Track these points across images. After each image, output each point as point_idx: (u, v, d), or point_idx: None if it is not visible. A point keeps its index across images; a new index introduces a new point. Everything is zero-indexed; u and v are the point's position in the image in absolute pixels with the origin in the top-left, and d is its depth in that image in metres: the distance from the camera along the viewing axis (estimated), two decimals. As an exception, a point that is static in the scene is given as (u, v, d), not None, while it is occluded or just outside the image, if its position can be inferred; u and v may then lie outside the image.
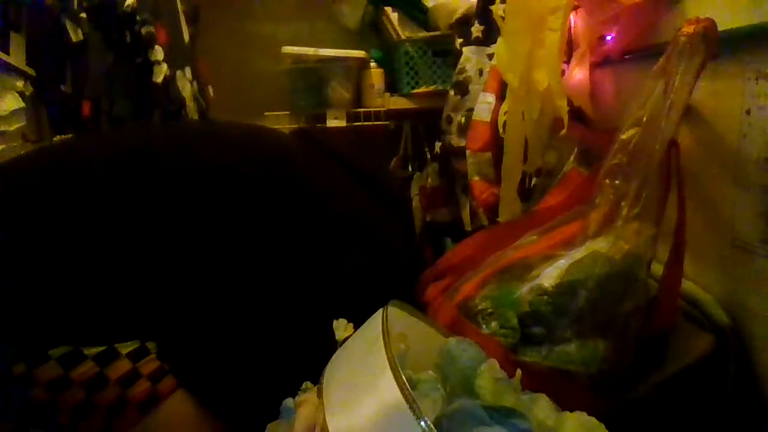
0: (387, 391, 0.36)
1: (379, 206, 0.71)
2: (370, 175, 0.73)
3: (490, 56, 1.26)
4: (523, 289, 0.58)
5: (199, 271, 0.57)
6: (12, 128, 1.06)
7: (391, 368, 0.37)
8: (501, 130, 1.02)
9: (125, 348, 0.53)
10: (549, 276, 0.58)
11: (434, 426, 0.34)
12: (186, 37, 1.54)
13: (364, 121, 1.79)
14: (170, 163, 0.60)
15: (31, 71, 1.16)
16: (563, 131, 0.76)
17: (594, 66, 0.79)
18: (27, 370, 0.50)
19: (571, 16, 0.79)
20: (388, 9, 1.72)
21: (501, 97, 1.05)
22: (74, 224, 0.54)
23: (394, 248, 0.71)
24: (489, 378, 0.45)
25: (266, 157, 0.66)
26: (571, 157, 0.84)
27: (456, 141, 1.35)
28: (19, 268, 0.52)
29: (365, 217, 0.69)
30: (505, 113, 0.99)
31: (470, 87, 1.32)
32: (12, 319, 0.51)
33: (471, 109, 1.23)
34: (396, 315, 0.49)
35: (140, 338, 0.54)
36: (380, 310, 0.46)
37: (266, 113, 1.80)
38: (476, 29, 1.31)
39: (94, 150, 0.62)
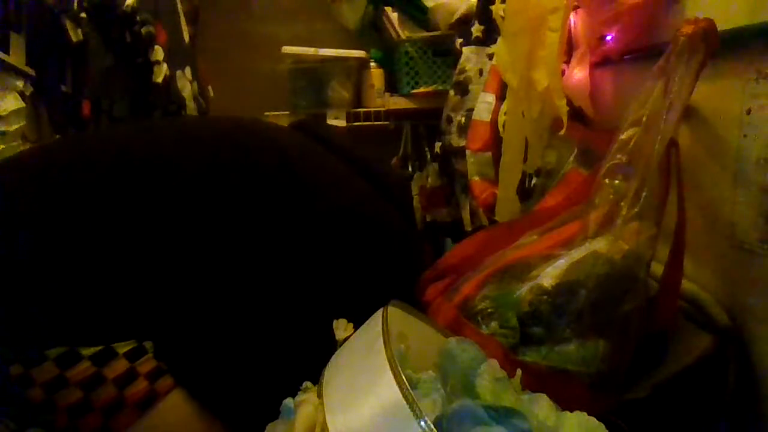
0: (387, 391, 0.36)
1: (380, 198, 0.70)
2: (370, 166, 0.72)
3: (490, 56, 1.26)
4: (523, 289, 0.58)
5: (196, 269, 0.56)
6: (12, 128, 1.06)
7: (391, 368, 0.37)
8: (501, 130, 1.02)
9: (122, 347, 0.53)
10: (549, 276, 0.58)
11: (434, 426, 0.34)
12: (186, 37, 1.54)
13: (364, 121, 1.80)
14: (164, 160, 0.59)
15: (31, 71, 1.16)
16: (562, 131, 0.76)
17: (594, 66, 0.79)
18: (24, 370, 0.50)
19: (571, 16, 0.79)
20: (388, 9, 1.72)
21: (501, 97, 1.05)
22: (69, 224, 0.53)
23: (396, 242, 0.70)
24: (489, 378, 0.45)
25: (262, 152, 0.65)
26: (571, 157, 0.84)
27: (456, 141, 1.35)
28: (15, 269, 0.51)
29: (365, 211, 0.68)
30: (505, 113, 0.99)
31: (470, 87, 1.32)
32: (8, 320, 0.51)
33: (471, 109, 1.23)
34: (396, 315, 0.49)
35: (137, 338, 0.54)
36: (380, 310, 0.46)
37: (266, 113, 1.80)
38: (476, 29, 1.31)
39: (89, 148, 0.62)
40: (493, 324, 0.58)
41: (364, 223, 0.67)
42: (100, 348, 0.52)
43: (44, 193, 0.54)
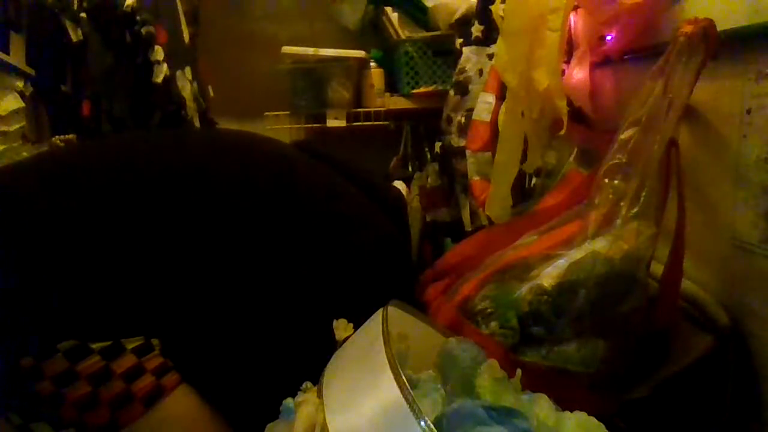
0: (387, 391, 0.36)
1: (375, 207, 0.72)
2: (367, 180, 0.75)
3: (490, 56, 1.26)
4: (523, 289, 0.58)
5: (202, 271, 0.58)
6: (12, 128, 1.06)
7: (391, 368, 0.37)
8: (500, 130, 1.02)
9: (131, 343, 0.54)
10: (549, 276, 0.58)
11: (434, 426, 0.34)
12: (186, 37, 1.54)
13: (364, 121, 1.79)
14: (174, 167, 0.62)
15: (31, 71, 1.16)
16: (562, 131, 0.76)
17: (594, 66, 0.79)
18: (34, 363, 0.51)
19: (571, 16, 0.79)
20: (388, 9, 1.72)
21: (501, 97, 1.05)
22: (83, 222, 0.54)
23: (394, 249, 0.72)
24: (489, 378, 0.45)
25: (270, 163, 0.68)
26: (571, 158, 0.84)
27: (456, 141, 1.35)
28: (28, 264, 0.52)
29: (364, 220, 0.70)
30: (504, 113, 0.99)
31: (470, 87, 1.32)
32: (22, 313, 0.51)
33: (471, 109, 1.23)
34: (396, 315, 0.49)
35: (145, 335, 0.55)
36: (380, 310, 0.46)
37: (266, 113, 1.80)
38: (476, 29, 1.31)
39: (104, 151, 0.64)
40: (493, 324, 0.58)
41: (361, 228, 0.68)
42: (109, 343, 0.53)
43: (61, 194, 0.56)
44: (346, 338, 0.48)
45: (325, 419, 0.39)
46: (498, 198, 0.88)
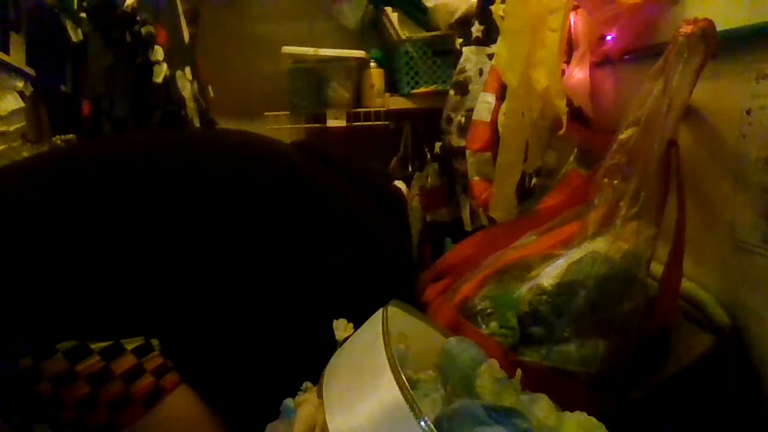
0: (387, 391, 0.36)
1: (376, 207, 0.72)
2: (368, 179, 0.75)
3: (490, 56, 1.26)
4: (523, 289, 0.58)
5: (201, 270, 0.58)
6: (12, 128, 1.06)
7: (391, 368, 0.37)
8: (501, 130, 1.02)
9: (130, 344, 0.54)
10: (548, 276, 0.58)
11: (434, 426, 0.34)
12: (186, 37, 1.54)
13: (364, 121, 1.79)
14: (175, 166, 0.62)
15: (31, 71, 1.16)
16: (562, 131, 0.76)
17: (594, 66, 0.79)
18: (34, 363, 0.50)
19: (571, 16, 0.79)
20: (388, 9, 1.72)
21: (501, 97, 1.05)
22: (82, 222, 0.54)
23: (394, 248, 0.72)
24: (489, 378, 0.45)
25: (269, 162, 0.68)
26: (571, 158, 0.84)
27: (456, 141, 1.35)
28: (29, 264, 0.52)
29: (364, 218, 0.70)
30: (504, 113, 0.99)
31: (470, 87, 1.32)
32: (21, 313, 0.51)
33: (471, 109, 1.23)
34: (396, 315, 0.49)
35: (145, 335, 0.55)
36: (380, 310, 0.46)
37: (266, 113, 1.80)
38: (476, 29, 1.31)
39: (104, 151, 0.64)
40: (493, 324, 0.58)
41: (364, 227, 0.68)
42: (109, 343, 0.53)
43: (61, 194, 0.56)
44: (346, 338, 0.48)
45: (325, 419, 0.39)
46: (502, 199, 0.88)
